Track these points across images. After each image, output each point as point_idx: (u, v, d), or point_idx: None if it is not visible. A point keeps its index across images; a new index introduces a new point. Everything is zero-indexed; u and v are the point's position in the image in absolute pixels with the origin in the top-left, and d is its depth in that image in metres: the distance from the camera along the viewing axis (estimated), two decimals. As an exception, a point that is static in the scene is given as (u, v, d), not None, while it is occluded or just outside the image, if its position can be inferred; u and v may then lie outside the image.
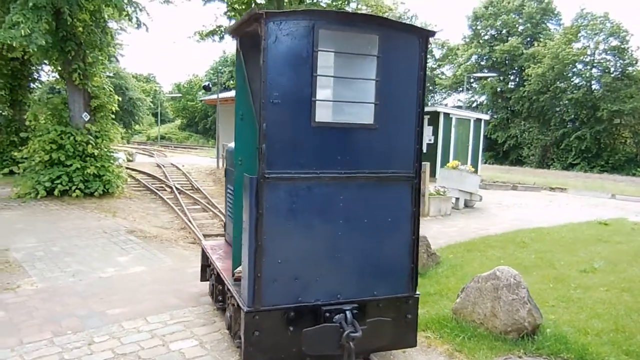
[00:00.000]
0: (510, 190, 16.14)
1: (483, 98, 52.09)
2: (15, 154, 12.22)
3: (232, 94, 31.03)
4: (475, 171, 18.28)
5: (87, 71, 11.98)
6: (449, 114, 17.46)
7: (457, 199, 10.36)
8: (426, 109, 20.12)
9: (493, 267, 5.90)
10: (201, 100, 50.97)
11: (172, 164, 21.03)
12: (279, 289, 3.35)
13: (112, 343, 4.01)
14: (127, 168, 17.98)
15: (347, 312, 3.39)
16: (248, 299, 3.32)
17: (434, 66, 57.57)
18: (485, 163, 46.30)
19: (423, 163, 9.38)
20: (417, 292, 3.77)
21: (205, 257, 5.01)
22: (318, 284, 3.45)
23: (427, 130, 17.46)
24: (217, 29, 16.71)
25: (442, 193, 9.55)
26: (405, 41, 3.50)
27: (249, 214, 3.29)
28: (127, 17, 12.10)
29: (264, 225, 3.26)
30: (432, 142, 17.35)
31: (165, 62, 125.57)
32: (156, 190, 13.24)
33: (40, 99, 12.59)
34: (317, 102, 3.28)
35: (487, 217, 9.80)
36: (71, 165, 11.41)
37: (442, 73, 56.41)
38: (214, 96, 31.90)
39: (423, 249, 5.90)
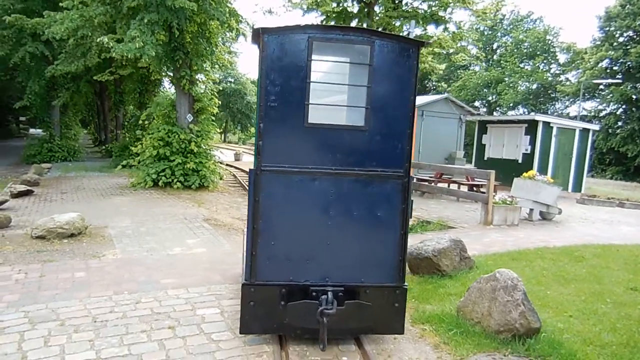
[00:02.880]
0: (614, 207, 14.88)
1: (615, 107, 47.41)
2: (132, 148, 14.13)
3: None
4: (585, 186, 17.11)
5: (193, 77, 13.50)
6: (549, 122, 16.52)
7: (532, 210, 9.98)
8: (524, 117, 19.26)
9: (531, 276, 5.94)
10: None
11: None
12: (272, 268, 3.88)
13: (153, 304, 4.82)
14: (230, 166, 19.67)
15: (329, 293, 3.81)
16: (245, 273, 3.91)
17: (558, 72, 53.76)
18: (611, 178, 42.27)
19: (488, 171, 9.36)
20: (405, 284, 4.06)
21: (244, 243, 5.69)
22: (308, 266, 3.91)
23: (524, 140, 16.76)
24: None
25: (508, 202, 9.31)
26: (397, 51, 3.83)
27: (248, 201, 3.87)
28: (228, 28, 13.43)
29: (260, 211, 3.82)
30: (528, 152, 16.58)
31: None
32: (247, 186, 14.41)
33: (158, 103, 14.36)
34: (309, 105, 3.76)
35: (559, 230, 9.32)
36: (174, 160, 12.96)
37: (567, 79, 52.36)
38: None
39: (456, 252, 6.03)
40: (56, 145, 22.56)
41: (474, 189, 13.07)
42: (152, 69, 14.63)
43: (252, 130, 69.46)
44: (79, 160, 22.88)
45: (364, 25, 16.21)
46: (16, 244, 6.89)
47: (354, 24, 16.70)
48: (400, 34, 15.84)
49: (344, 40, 3.82)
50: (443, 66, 19.62)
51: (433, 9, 16.70)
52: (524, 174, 10.07)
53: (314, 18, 16.73)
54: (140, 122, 14.32)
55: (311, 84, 3.74)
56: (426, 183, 13.47)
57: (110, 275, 5.70)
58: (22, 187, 11.70)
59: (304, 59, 3.70)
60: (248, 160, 25.80)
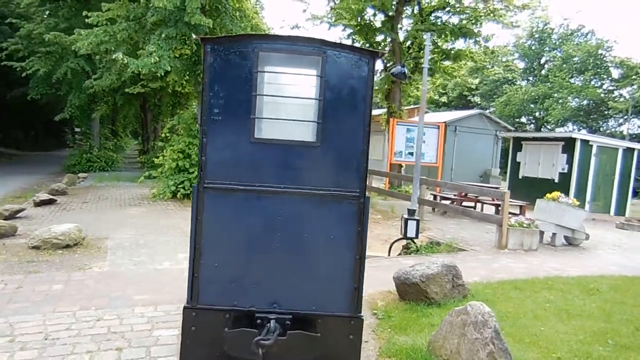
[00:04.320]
0: (659, 232, 13.72)
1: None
2: (155, 160, 14.31)
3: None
4: (629, 209, 16.00)
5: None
6: (588, 140, 15.57)
7: (554, 234, 9.27)
8: (561, 134, 18.35)
9: (530, 309, 5.43)
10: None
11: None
12: (215, 291, 3.64)
13: (113, 322, 4.66)
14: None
15: (272, 321, 3.52)
16: (187, 297, 3.68)
17: (611, 88, 51.24)
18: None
19: (502, 191, 8.80)
20: (362, 314, 3.72)
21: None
22: (255, 291, 3.64)
23: (561, 159, 15.88)
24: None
25: (525, 225, 8.67)
26: (350, 62, 3.55)
27: (191, 219, 3.66)
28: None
29: (202, 230, 3.60)
30: (565, 171, 15.67)
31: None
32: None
33: (180, 115, 14.53)
34: (256, 119, 3.52)
35: (582, 258, 8.58)
36: (193, 172, 13.01)
37: (621, 95, 49.72)
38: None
39: (447, 279, 5.59)
40: (95, 155, 23.34)
41: (499, 209, 12.38)
42: (171, 82, 14.83)
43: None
44: (116, 170, 23.53)
45: (388, 40, 15.92)
46: (11, 253, 6.97)
47: (379, 38, 16.44)
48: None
49: (293, 50, 3.58)
50: (477, 80, 18.98)
51: (463, 22, 16.18)
52: (548, 195, 9.42)
53: (340, 32, 16.58)
54: (163, 135, 14.51)
55: (258, 97, 3.52)
56: (447, 202, 12.91)
57: (87, 289, 5.61)
58: (45, 196, 12.02)
59: (249, 71, 3.48)
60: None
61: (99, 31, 12.25)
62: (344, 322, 3.68)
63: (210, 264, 3.62)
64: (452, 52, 16.61)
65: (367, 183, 14.39)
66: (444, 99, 38.31)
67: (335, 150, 3.61)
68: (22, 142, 38.12)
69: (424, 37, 11.48)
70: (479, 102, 55.96)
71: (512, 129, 23.35)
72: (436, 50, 16.85)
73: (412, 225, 8.14)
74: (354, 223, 3.65)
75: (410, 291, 5.56)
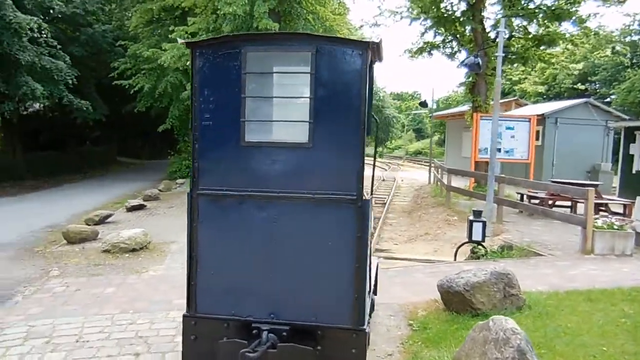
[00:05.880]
0: None
1: None
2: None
3: (459, 109, 30.24)
4: None
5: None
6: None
7: (657, 236, 7.99)
8: (632, 123, 15.83)
9: (598, 325, 4.75)
10: (430, 116, 47.22)
11: (394, 177, 21.81)
12: (213, 299, 3.56)
13: (144, 327, 4.78)
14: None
15: (264, 332, 3.35)
16: (186, 305, 3.64)
17: None
18: None
19: (585, 188, 7.77)
20: (365, 327, 3.41)
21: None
22: (252, 300, 3.50)
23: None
24: (426, 46, 16.72)
25: (616, 227, 7.53)
26: (343, 56, 3.27)
27: (187, 227, 3.62)
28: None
29: (197, 238, 3.55)
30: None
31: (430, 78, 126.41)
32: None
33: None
34: (246, 122, 3.39)
35: (691, 264, 7.29)
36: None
37: None
38: (445, 112, 31.77)
39: (497, 288, 5.00)
40: (193, 162, 24.81)
41: (599, 209, 11.02)
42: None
43: (396, 143, 68.84)
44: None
45: (468, 28, 14.96)
46: (85, 256, 7.54)
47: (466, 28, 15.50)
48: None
49: (282, 48, 3.42)
50: (580, 65, 17.23)
51: (560, 2, 14.69)
52: (647, 191, 8.17)
53: (420, 25, 15.91)
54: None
55: (247, 99, 3.38)
56: (536, 202, 11.78)
57: (134, 292, 5.84)
58: (136, 202, 12.97)
59: (238, 73, 3.35)
60: (367, 174, 25.46)
61: (181, 45, 12.96)
62: (346, 335, 3.40)
63: (206, 271, 3.55)
64: (546, 37, 15.15)
65: (447, 182, 13.67)
66: (540, 89, 35.42)
67: (330, 151, 3.36)
68: (141, 151, 41.87)
69: (501, 22, 10.53)
70: (597, 90, 50.74)
71: (626, 117, 20.75)
72: (527, 37, 15.53)
73: (477, 227, 7.48)
74: (352, 228, 3.36)
75: (455, 300, 5.07)
